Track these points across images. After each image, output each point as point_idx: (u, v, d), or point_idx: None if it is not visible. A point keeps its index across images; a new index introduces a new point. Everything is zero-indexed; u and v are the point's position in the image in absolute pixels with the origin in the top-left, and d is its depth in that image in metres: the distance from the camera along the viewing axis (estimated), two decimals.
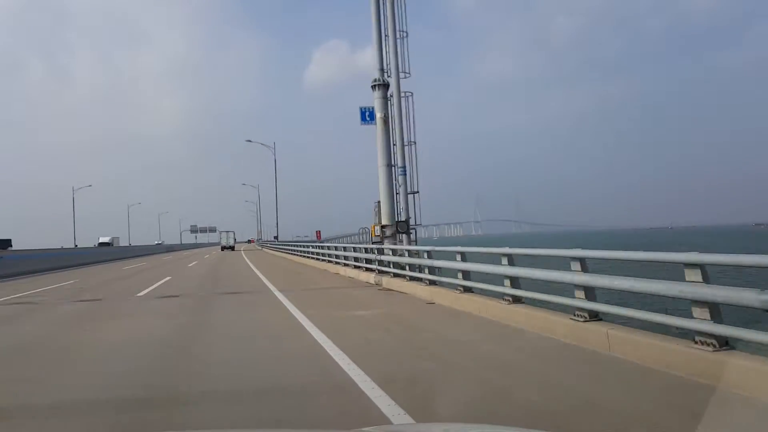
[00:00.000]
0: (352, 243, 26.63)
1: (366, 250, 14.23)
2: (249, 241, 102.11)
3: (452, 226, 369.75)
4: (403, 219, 13.76)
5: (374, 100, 13.99)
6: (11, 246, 40.37)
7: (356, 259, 15.49)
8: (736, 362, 3.76)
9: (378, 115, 13.91)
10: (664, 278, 4.52)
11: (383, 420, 3.38)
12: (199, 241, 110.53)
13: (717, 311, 4.04)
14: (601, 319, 5.40)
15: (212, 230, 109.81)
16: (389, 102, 13.95)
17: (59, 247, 40.01)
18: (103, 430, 3.50)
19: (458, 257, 8.47)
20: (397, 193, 13.89)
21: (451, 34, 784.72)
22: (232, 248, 55.50)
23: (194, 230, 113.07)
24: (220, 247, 58.25)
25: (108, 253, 42.20)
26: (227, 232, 59.76)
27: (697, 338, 4.15)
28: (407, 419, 3.36)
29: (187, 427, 3.50)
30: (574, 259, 5.61)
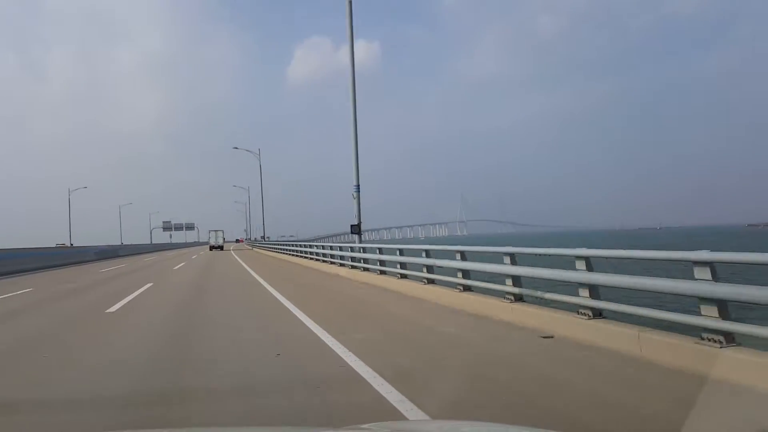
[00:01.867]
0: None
1: None
2: (237, 241, 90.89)
3: (437, 226, 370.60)
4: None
5: None
6: None
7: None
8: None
9: None
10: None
11: None
12: (174, 240, 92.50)
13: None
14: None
15: (190, 227, 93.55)
16: None
17: None
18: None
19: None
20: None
21: (435, 32, 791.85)
22: (221, 248, 54.56)
23: (168, 227, 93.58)
24: (208, 246, 57.09)
25: None
26: (216, 231, 57.99)
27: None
28: None
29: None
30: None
